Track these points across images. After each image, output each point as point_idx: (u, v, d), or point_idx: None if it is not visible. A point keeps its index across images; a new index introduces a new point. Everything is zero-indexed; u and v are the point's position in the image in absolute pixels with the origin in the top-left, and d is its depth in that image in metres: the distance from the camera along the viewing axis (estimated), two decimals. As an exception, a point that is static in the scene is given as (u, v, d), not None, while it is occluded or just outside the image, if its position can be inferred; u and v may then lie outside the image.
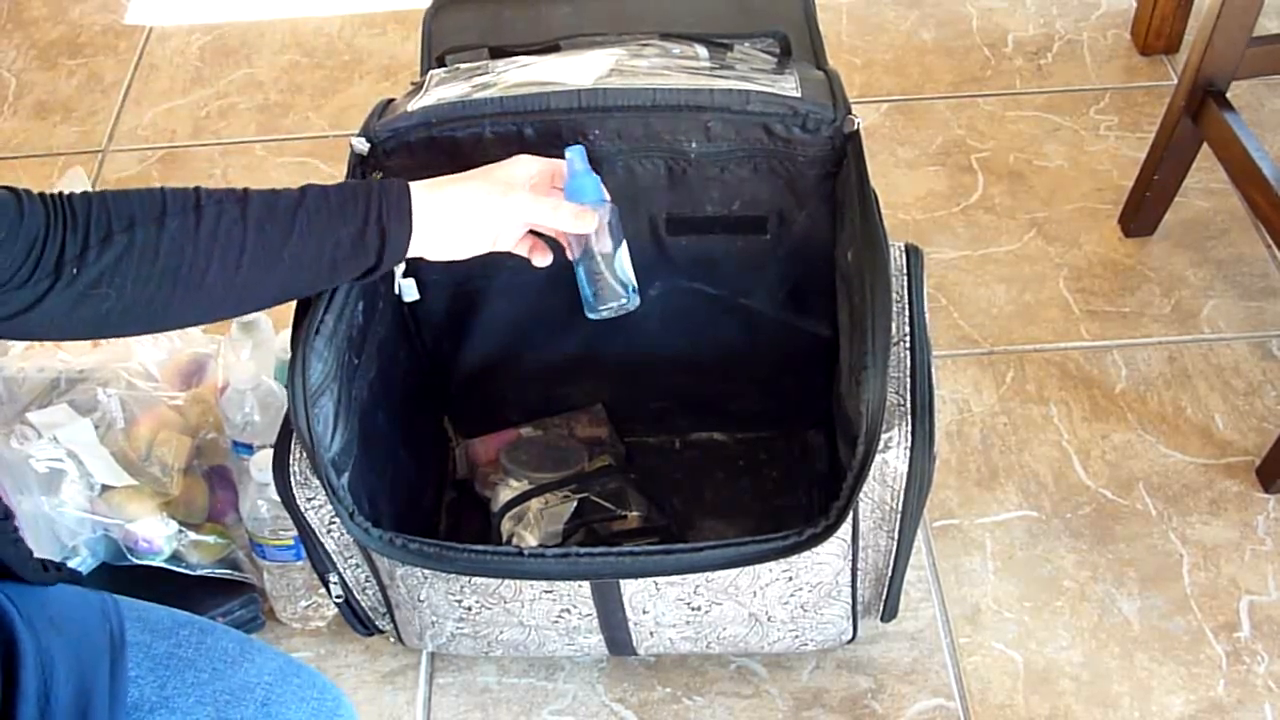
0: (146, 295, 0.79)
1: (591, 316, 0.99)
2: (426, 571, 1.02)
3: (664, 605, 1.04)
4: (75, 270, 0.76)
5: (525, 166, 0.94)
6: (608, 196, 0.98)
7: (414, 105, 1.06)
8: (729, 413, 1.36)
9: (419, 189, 0.88)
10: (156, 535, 1.19)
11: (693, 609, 1.05)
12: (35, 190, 0.77)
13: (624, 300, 0.98)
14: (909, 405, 0.95)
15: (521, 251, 0.98)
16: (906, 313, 1.02)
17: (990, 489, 1.36)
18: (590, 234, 0.95)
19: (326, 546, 1.05)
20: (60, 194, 0.77)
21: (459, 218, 0.90)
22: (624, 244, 0.99)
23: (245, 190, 0.83)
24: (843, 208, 1.06)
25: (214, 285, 0.81)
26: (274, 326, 1.31)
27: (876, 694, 1.20)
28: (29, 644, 0.72)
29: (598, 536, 1.21)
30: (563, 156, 0.96)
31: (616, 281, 0.97)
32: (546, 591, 1.03)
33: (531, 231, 0.98)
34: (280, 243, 0.82)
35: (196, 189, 0.82)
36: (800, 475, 1.34)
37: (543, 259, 0.99)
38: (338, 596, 1.11)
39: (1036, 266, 1.59)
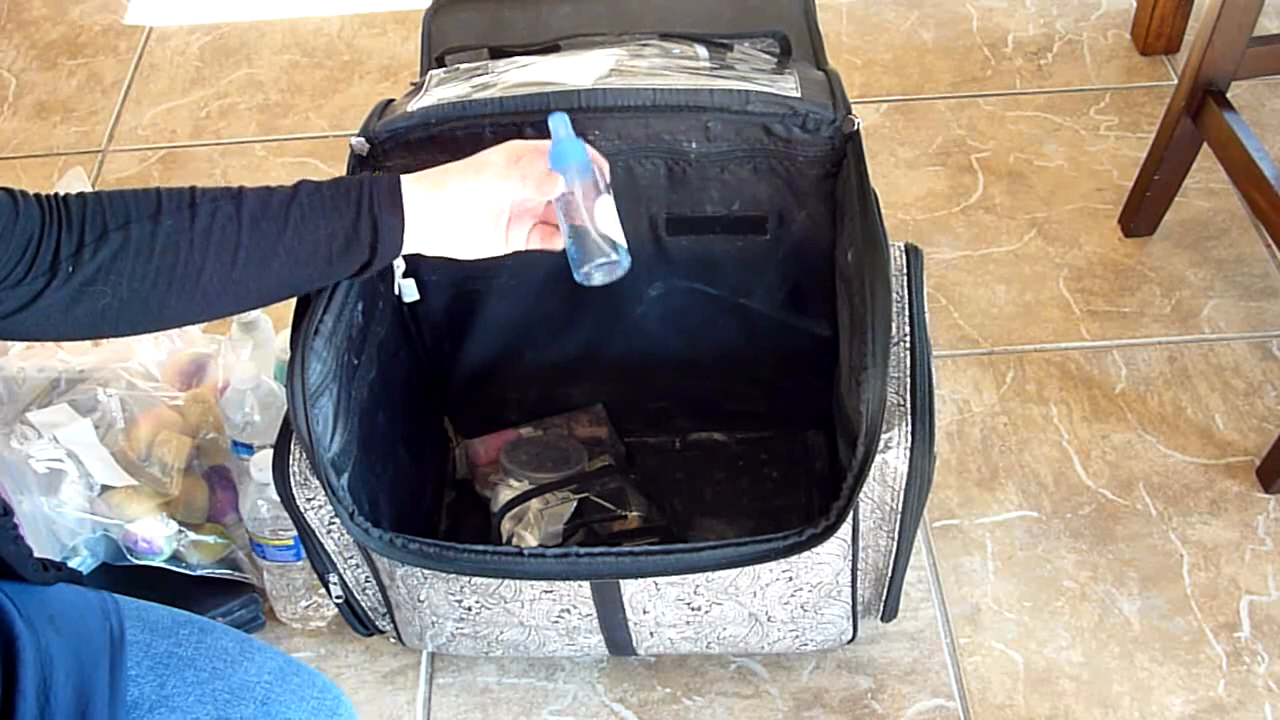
0: (143, 293, 0.79)
1: (580, 280, 0.94)
2: (426, 571, 1.02)
3: (664, 605, 1.04)
4: (71, 268, 0.76)
5: (505, 151, 0.93)
6: (594, 156, 0.94)
7: (414, 106, 1.06)
8: (729, 413, 1.36)
9: (409, 180, 0.88)
10: (156, 535, 1.19)
11: (693, 609, 1.05)
12: (33, 191, 0.77)
13: (611, 258, 0.93)
14: (909, 405, 0.95)
15: (535, 244, 0.96)
16: (906, 313, 1.02)
17: (990, 489, 1.36)
18: (569, 194, 0.92)
19: (326, 547, 1.05)
20: (56, 194, 0.78)
21: (446, 207, 0.89)
22: (610, 201, 0.94)
23: (240, 188, 0.83)
24: (842, 208, 1.06)
25: (210, 282, 0.81)
26: (274, 326, 1.31)
27: (876, 694, 1.20)
28: (29, 643, 0.72)
29: (598, 536, 1.21)
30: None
31: (601, 239, 0.93)
32: (546, 591, 1.03)
33: (541, 222, 0.97)
34: (275, 238, 0.83)
35: (191, 188, 0.82)
36: (800, 475, 1.34)
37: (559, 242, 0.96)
38: (337, 597, 1.11)
39: (1036, 266, 1.59)
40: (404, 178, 0.88)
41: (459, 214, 0.90)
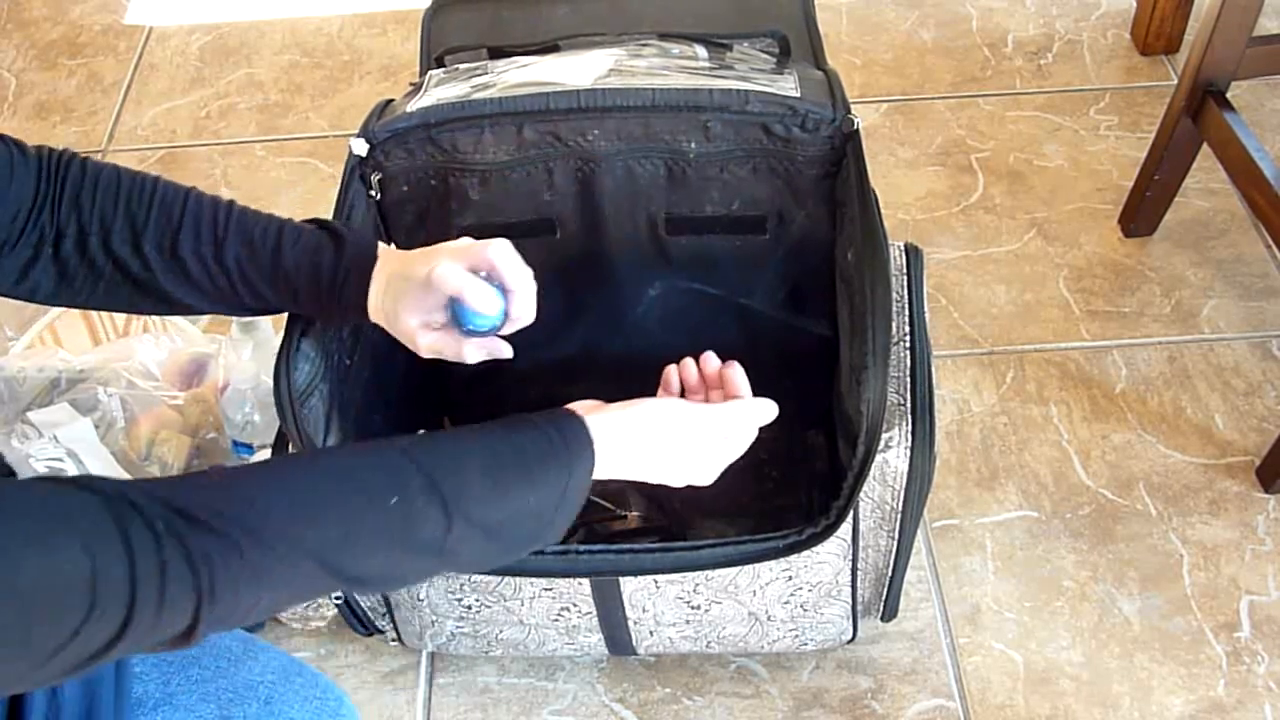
0: (120, 302, 0.83)
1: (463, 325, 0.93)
2: (426, 571, 1.02)
3: (664, 604, 1.04)
4: (53, 251, 0.78)
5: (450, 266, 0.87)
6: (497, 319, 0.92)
7: (413, 106, 1.06)
8: (729, 413, 1.36)
9: (386, 253, 0.86)
10: (157, 535, 1.19)
11: (692, 608, 1.05)
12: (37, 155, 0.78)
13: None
14: (909, 405, 0.95)
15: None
16: (906, 313, 1.02)
17: (990, 489, 1.36)
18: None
19: (326, 546, 1.05)
20: (57, 165, 0.78)
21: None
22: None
23: (229, 223, 0.83)
24: (842, 208, 1.06)
25: (187, 309, 0.86)
26: (274, 326, 1.31)
27: (876, 694, 1.20)
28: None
29: (598, 536, 1.21)
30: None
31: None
32: (546, 589, 1.03)
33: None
34: (262, 283, 0.84)
35: (189, 190, 0.82)
36: (800, 475, 1.34)
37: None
38: (337, 597, 1.11)
39: (1036, 266, 1.59)
40: (382, 251, 0.86)
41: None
